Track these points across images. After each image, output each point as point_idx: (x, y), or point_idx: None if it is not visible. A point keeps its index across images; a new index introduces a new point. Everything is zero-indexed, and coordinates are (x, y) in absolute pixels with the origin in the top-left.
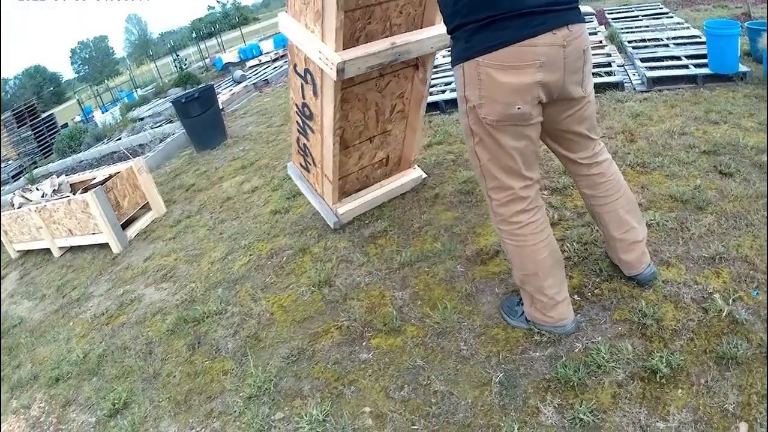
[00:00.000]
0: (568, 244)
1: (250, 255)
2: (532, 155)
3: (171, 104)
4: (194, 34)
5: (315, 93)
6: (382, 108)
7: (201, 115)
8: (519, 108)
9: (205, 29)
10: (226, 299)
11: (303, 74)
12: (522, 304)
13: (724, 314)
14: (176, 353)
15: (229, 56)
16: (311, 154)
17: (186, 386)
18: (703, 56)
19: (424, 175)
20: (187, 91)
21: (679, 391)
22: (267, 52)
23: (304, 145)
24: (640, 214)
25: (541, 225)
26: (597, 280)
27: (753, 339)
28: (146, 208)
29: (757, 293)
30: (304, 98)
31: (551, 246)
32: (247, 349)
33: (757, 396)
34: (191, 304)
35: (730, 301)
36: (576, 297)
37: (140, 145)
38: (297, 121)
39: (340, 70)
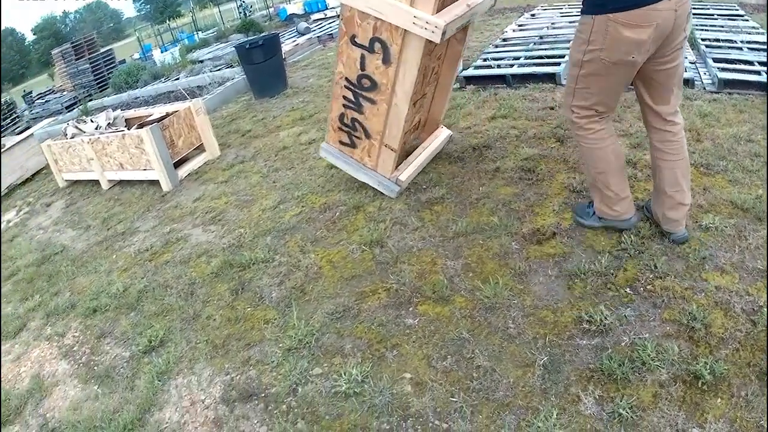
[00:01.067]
0: (625, 236)
1: (303, 207)
2: (621, 92)
3: (233, 49)
4: None
5: (387, 61)
6: (427, 71)
7: (263, 63)
8: (633, 57)
9: None
10: (275, 248)
11: (368, 45)
12: (592, 205)
13: None
14: (218, 297)
15: (294, 8)
16: (364, 128)
17: (225, 331)
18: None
19: (451, 133)
20: (249, 38)
21: (719, 400)
22: (332, 7)
23: (353, 119)
24: (690, 184)
25: (608, 132)
26: (651, 276)
27: None
28: (200, 149)
29: None
30: (363, 70)
31: (616, 151)
32: (291, 300)
33: None
34: (238, 249)
35: None
36: (628, 290)
37: (198, 86)
38: (345, 96)
39: (444, 33)
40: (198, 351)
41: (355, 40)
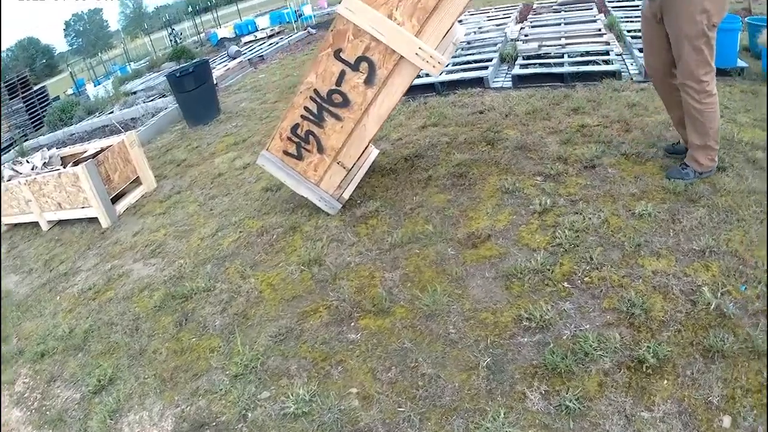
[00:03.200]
0: (560, 231)
1: (240, 232)
2: None
3: (165, 78)
4: (190, 8)
5: (370, 82)
6: None
7: (195, 90)
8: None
9: (201, 3)
10: (215, 276)
11: (353, 62)
12: (686, 168)
13: (712, 307)
14: (163, 330)
15: (225, 31)
16: (318, 142)
17: (172, 363)
18: None
19: (378, 151)
20: (181, 65)
21: (665, 381)
22: (263, 28)
23: (308, 132)
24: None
25: None
26: (587, 268)
27: (739, 333)
28: (137, 182)
29: (745, 288)
30: (338, 85)
31: None
32: (234, 326)
33: (742, 390)
34: (179, 281)
35: (719, 294)
36: (566, 284)
37: (132, 119)
38: (307, 107)
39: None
40: (147, 386)
41: (340, 54)
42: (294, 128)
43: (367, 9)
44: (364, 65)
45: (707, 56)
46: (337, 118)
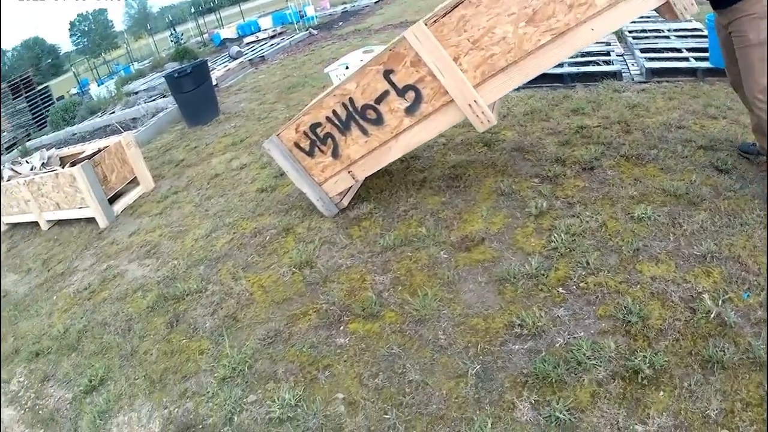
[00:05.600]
0: (555, 235)
1: (234, 233)
2: None
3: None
4: (193, 9)
5: (411, 112)
6: None
7: (193, 91)
8: None
9: (205, 4)
10: (207, 277)
11: (401, 87)
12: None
13: (712, 315)
14: (154, 331)
15: (227, 32)
16: (336, 147)
17: (162, 365)
18: (705, 50)
19: None
20: (182, 66)
21: (661, 393)
22: (265, 29)
23: (329, 134)
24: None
25: None
26: (583, 273)
27: (741, 343)
28: (134, 182)
29: (748, 295)
30: (377, 103)
31: None
32: (224, 329)
33: (741, 403)
34: (172, 282)
35: (720, 302)
36: (560, 290)
37: (133, 119)
38: (336, 111)
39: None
40: (137, 387)
41: (390, 76)
42: (314, 126)
43: (436, 44)
44: (411, 94)
45: None
46: (365, 132)
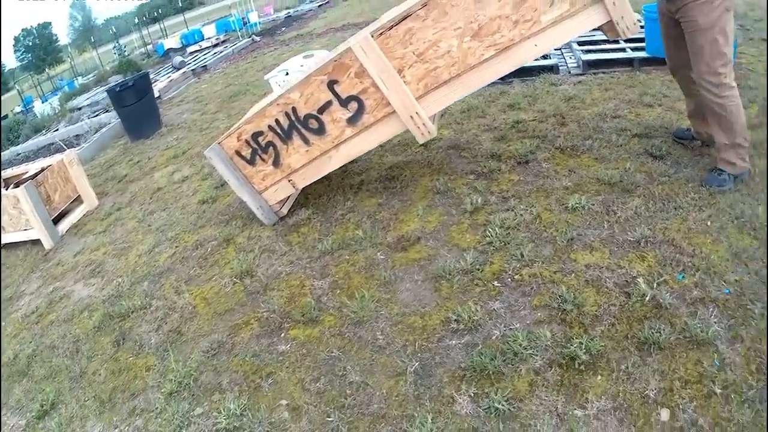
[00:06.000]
0: (490, 229)
1: (176, 247)
2: None
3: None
4: (137, 20)
5: (353, 122)
6: None
7: (136, 104)
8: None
9: (149, 15)
10: (151, 293)
11: (344, 98)
12: (721, 173)
13: (647, 299)
14: (102, 350)
15: (171, 42)
16: (278, 156)
17: (111, 384)
18: (641, 40)
19: None
20: (125, 78)
21: (599, 377)
22: (209, 38)
23: (270, 143)
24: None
25: None
26: (518, 265)
27: (677, 323)
28: (78, 201)
29: (683, 277)
30: (319, 113)
31: None
32: (168, 344)
33: (680, 382)
34: (117, 300)
35: (655, 285)
36: (496, 283)
37: (77, 135)
38: (278, 120)
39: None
40: (87, 409)
41: (334, 86)
42: (256, 134)
43: (381, 57)
44: (353, 104)
45: (722, 47)
46: (306, 141)
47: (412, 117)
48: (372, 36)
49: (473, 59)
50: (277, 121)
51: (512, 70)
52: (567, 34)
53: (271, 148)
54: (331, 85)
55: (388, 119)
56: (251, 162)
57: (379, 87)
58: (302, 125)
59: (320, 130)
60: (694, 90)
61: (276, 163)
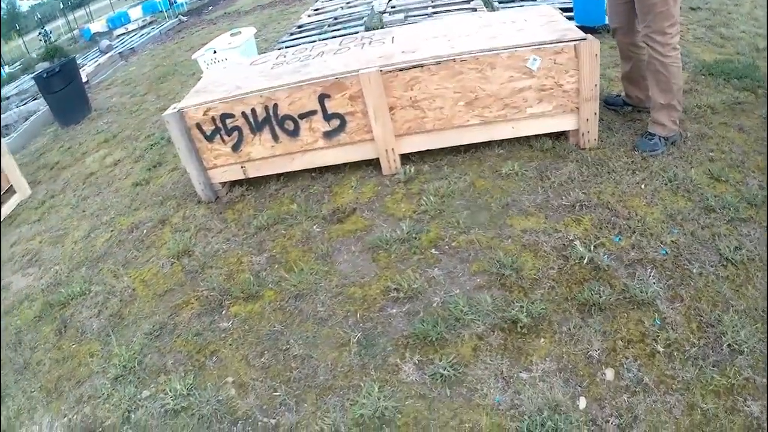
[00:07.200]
0: (425, 198)
1: (112, 230)
2: None
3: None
4: (62, 5)
5: (329, 137)
6: None
7: (63, 90)
8: None
9: None
10: (90, 279)
11: (329, 112)
12: (652, 137)
13: (585, 261)
14: (44, 340)
15: (98, 26)
16: (240, 143)
17: (56, 373)
18: (570, 9)
19: None
20: (52, 65)
21: (542, 340)
22: (135, 20)
23: (237, 128)
24: None
25: None
26: (454, 232)
27: (616, 285)
28: (11, 191)
29: (619, 239)
30: (299, 118)
31: None
32: (110, 328)
33: (623, 341)
34: (56, 287)
35: (592, 247)
36: (433, 251)
37: (6, 125)
38: (255, 110)
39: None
40: (34, 400)
41: (324, 100)
42: (226, 116)
43: (381, 91)
44: (336, 121)
45: (671, 8)
46: (275, 138)
47: (386, 150)
48: (381, 71)
49: (458, 121)
50: (253, 110)
51: (484, 140)
52: (540, 127)
53: (236, 132)
54: (322, 98)
55: (363, 144)
56: (209, 138)
57: (368, 115)
58: (278, 123)
59: (294, 133)
60: (633, 52)
61: (236, 147)
